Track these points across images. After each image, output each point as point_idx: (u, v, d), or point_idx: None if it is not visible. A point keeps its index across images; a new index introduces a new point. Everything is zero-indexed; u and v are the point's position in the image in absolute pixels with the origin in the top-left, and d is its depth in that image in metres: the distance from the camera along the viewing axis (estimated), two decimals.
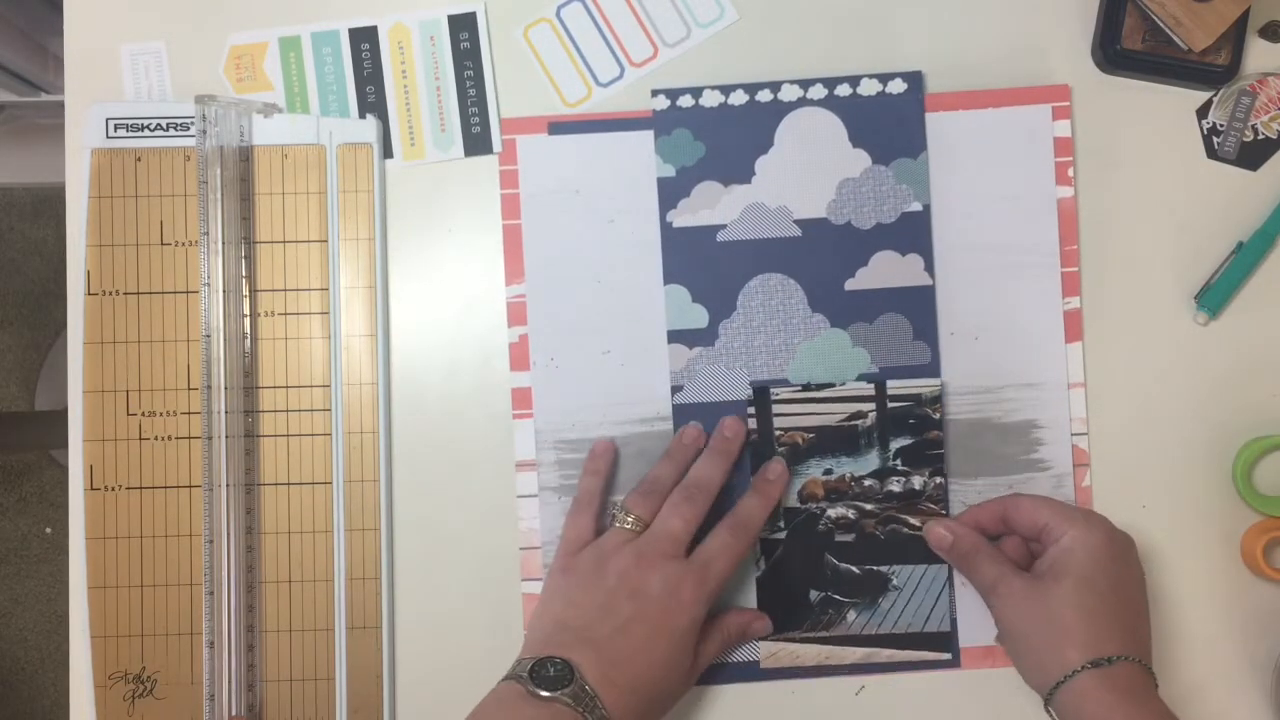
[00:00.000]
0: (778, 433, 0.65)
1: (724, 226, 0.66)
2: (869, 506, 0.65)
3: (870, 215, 0.65)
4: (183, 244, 0.65)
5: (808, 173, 0.66)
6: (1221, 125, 0.67)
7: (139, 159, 0.65)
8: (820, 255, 0.65)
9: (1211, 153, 0.67)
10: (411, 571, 0.65)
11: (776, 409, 0.65)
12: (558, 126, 0.66)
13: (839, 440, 0.65)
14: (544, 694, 0.54)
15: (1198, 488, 0.66)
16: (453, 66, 0.67)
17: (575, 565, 0.60)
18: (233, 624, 0.63)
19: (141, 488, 0.64)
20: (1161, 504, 0.65)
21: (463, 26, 0.67)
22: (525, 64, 0.67)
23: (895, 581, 0.65)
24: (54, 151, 0.65)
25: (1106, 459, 0.65)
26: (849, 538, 0.65)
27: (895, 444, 0.65)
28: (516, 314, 0.66)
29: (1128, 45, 0.65)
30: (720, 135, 0.66)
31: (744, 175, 0.66)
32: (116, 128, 0.65)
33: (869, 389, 0.65)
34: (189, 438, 0.64)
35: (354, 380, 0.65)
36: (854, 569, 0.65)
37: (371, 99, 0.67)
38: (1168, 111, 0.67)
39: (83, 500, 0.64)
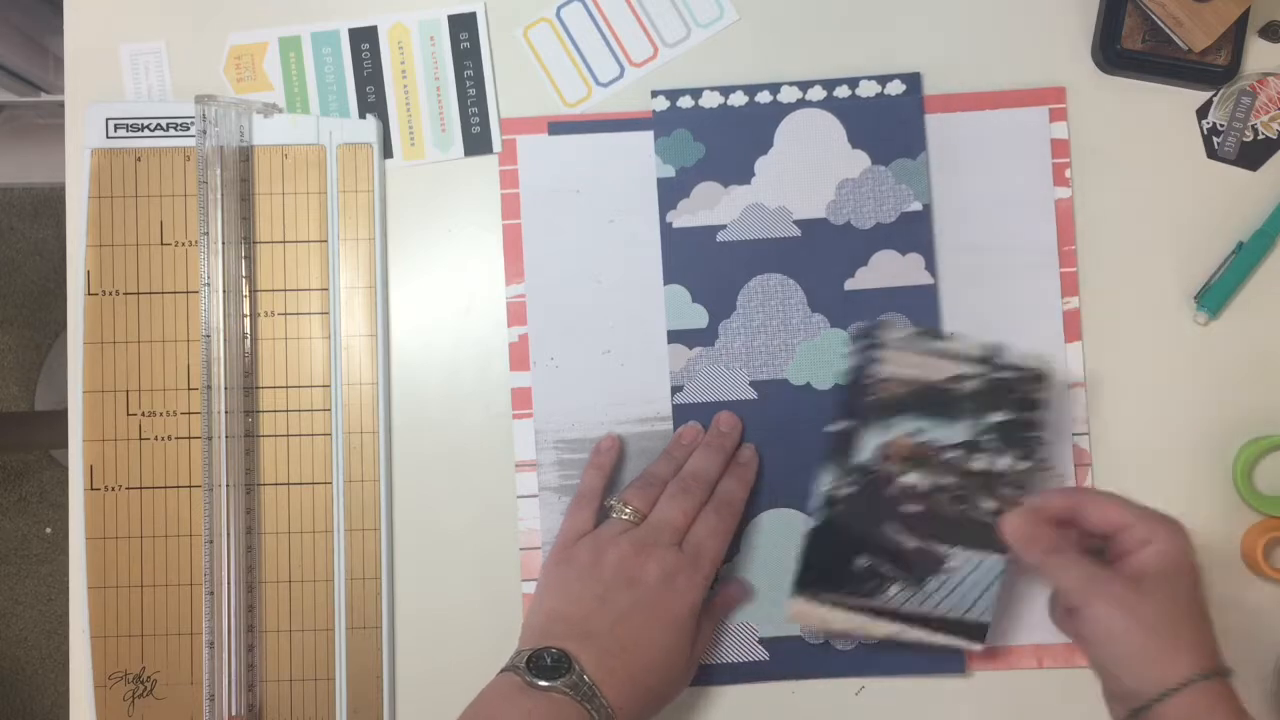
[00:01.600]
0: (871, 380, 0.61)
1: (724, 227, 0.66)
2: (946, 480, 0.61)
3: (870, 215, 0.65)
4: (183, 244, 0.65)
5: (807, 173, 0.66)
6: (1221, 125, 0.67)
7: (139, 159, 0.65)
8: (820, 255, 0.65)
9: (1211, 153, 0.67)
10: (411, 571, 0.65)
11: (882, 354, 0.61)
12: (558, 126, 0.66)
13: (934, 400, 0.61)
14: (542, 684, 0.54)
15: (1198, 488, 0.65)
16: (453, 66, 0.67)
17: (572, 557, 0.60)
18: (233, 624, 0.63)
19: (141, 488, 0.64)
20: (1162, 504, 0.65)
21: (463, 26, 0.67)
22: (525, 64, 0.67)
23: (950, 563, 0.61)
24: (54, 151, 0.65)
25: (1107, 459, 0.65)
26: (917, 508, 0.61)
27: (991, 418, 0.61)
28: (516, 314, 0.66)
29: (1128, 45, 0.65)
30: (720, 136, 0.66)
31: (743, 176, 0.66)
32: (116, 128, 0.65)
33: (982, 350, 0.61)
34: (189, 438, 0.64)
35: (354, 380, 0.65)
36: (911, 542, 0.61)
37: (371, 99, 0.67)
38: (1168, 111, 0.67)
39: (83, 500, 0.64)
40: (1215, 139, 0.67)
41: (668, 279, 0.66)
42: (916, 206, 0.65)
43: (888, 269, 0.65)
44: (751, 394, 0.65)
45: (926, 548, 0.61)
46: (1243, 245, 0.65)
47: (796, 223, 0.66)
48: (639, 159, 0.66)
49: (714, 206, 0.66)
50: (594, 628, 0.57)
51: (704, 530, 0.60)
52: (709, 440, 0.64)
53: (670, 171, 0.66)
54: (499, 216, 0.66)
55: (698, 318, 0.66)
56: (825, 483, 0.61)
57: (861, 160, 0.66)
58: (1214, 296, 0.65)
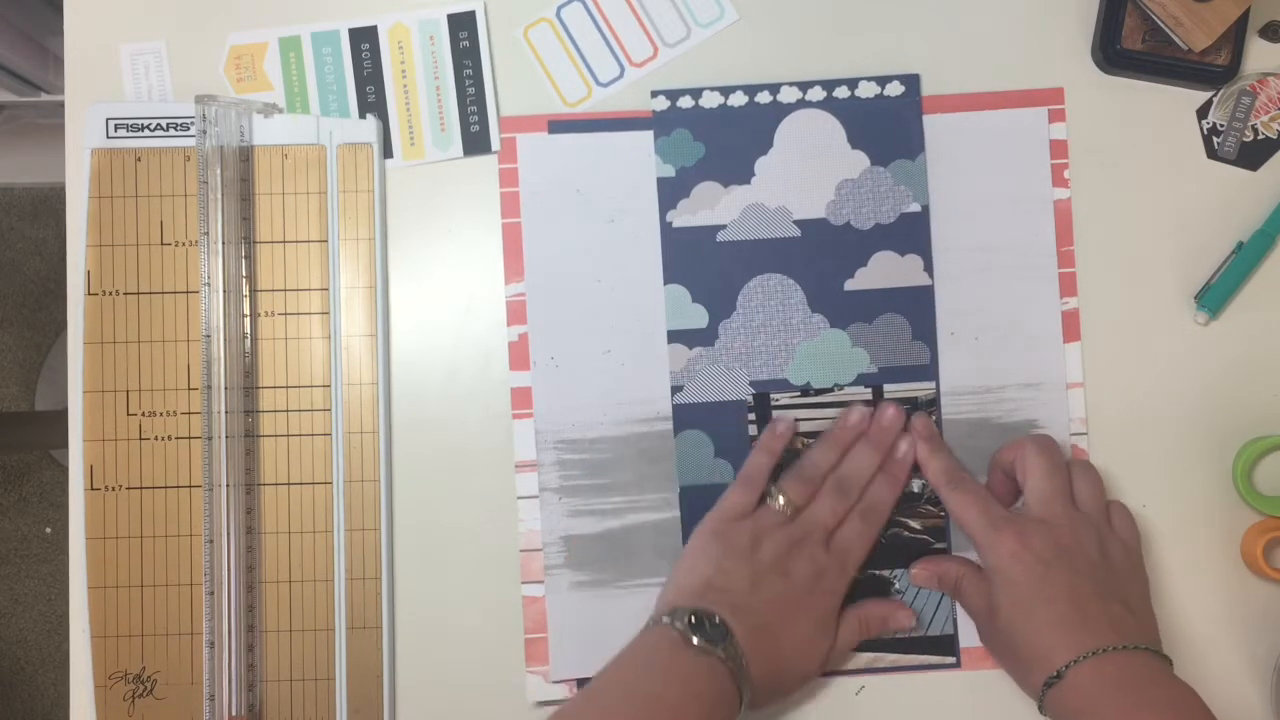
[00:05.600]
0: None
1: (724, 227, 0.66)
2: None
3: (869, 216, 0.65)
4: (183, 244, 0.65)
5: (807, 174, 0.66)
6: (1221, 125, 0.67)
7: (139, 159, 0.65)
8: (819, 256, 0.65)
9: (1211, 153, 0.67)
10: (411, 571, 0.65)
11: (777, 415, 0.65)
12: (558, 125, 0.66)
13: None
14: (701, 644, 0.55)
15: (1198, 488, 0.65)
16: (452, 66, 0.67)
17: (729, 534, 0.61)
18: (233, 624, 0.63)
19: (141, 488, 0.64)
20: (1161, 504, 0.65)
21: (462, 26, 0.67)
22: (525, 64, 0.67)
23: (897, 586, 0.65)
24: (54, 151, 0.65)
25: (1106, 459, 0.65)
26: None
27: None
28: (516, 313, 0.66)
29: (1128, 45, 0.65)
30: (720, 136, 0.66)
31: (743, 176, 0.66)
32: (116, 128, 0.65)
33: (867, 393, 0.65)
34: (189, 438, 0.64)
35: (354, 380, 0.65)
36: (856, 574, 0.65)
37: (371, 99, 0.67)
38: (1168, 111, 0.67)
39: (83, 500, 0.64)
40: (1215, 139, 0.67)
41: (668, 279, 0.66)
42: (915, 208, 0.65)
43: (886, 270, 0.65)
44: (751, 394, 0.65)
45: (872, 575, 0.65)
46: (1243, 245, 0.65)
47: (796, 223, 0.66)
48: (639, 158, 0.66)
49: (714, 206, 0.66)
50: (745, 605, 0.58)
51: (851, 534, 0.62)
52: (872, 436, 0.64)
53: (670, 171, 0.66)
54: (499, 216, 0.66)
55: (698, 317, 0.65)
56: None
57: (861, 161, 0.66)
58: (1214, 296, 0.65)
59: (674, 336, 0.66)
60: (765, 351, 0.65)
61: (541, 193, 0.66)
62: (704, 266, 0.66)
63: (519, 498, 0.65)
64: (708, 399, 0.65)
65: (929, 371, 0.65)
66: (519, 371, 0.66)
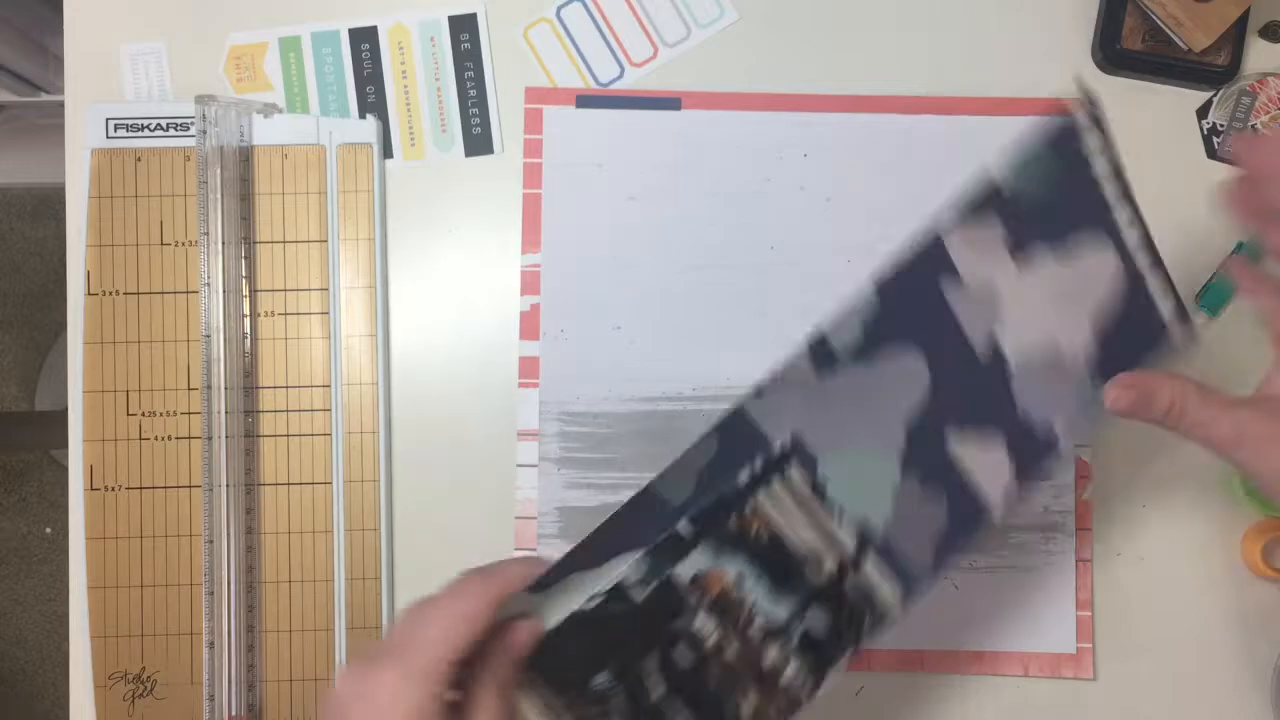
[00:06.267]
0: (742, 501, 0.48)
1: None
2: (730, 649, 0.48)
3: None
4: (183, 244, 0.65)
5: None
6: (1221, 125, 0.67)
7: (139, 159, 0.65)
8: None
9: (1211, 153, 0.67)
10: (411, 571, 0.65)
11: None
12: (586, 100, 0.66)
13: (777, 559, 0.48)
14: None
15: (1198, 488, 0.66)
16: (453, 67, 0.67)
17: None
18: (233, 624, 0.63)
19: (141, 488, 0.64)
20: (1161, 504, 0.66)
21: (463, 27, 0.67)
22: (525, 64, 0.67)
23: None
24: (54, 151, 0.65)
25: (1107, 458, 0.65)
26: (688, 658, 0.47)
27: (814, 612, 0.48)
28: (530, 283, 0.66)
29: (1128, 45, 0.65)
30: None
31: None
32: (116, 128, 0.65)
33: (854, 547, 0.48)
34: (189, 438, 0.64)
35: (354, 380, 0.65)
36: (654, 693, 0.47)
37: (371, 99, 0.67)
38: (1168, 111, 0.67)
39: (83, 500, 0.64)
40: (1215, 139, 0.67)
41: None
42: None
43: None
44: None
45: (663, 709, 0.47)
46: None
47: None
48: (664, 138, 0.66)
49: None
50: None
51: None
52: None
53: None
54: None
55: None
56: (630, 572, 0.47)
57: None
58: (1214, 296, 0.65)
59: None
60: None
61: (564, 166, 0.66)
62: None
63: (518, 465, 0.65)
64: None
65: None
66: (528, 341, 0.66)
